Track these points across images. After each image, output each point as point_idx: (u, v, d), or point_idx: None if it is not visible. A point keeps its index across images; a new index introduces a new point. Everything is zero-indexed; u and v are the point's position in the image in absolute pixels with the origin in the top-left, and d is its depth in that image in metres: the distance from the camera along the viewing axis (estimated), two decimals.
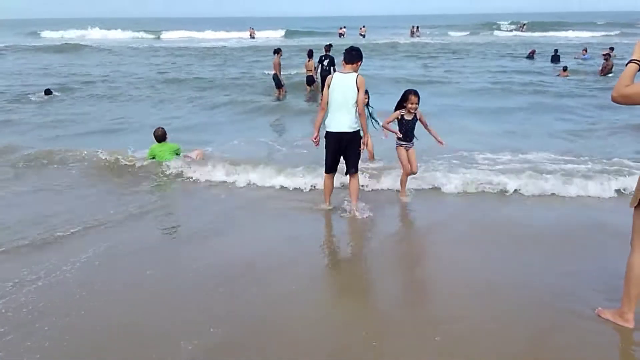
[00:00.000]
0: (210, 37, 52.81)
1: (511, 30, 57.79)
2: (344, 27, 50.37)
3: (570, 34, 49.56)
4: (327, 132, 5.88)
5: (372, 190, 7.00)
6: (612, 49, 22.68)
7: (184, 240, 5.51)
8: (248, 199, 6.77)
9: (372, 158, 7.68)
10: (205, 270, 4.72)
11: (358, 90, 5.67)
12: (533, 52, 27.20)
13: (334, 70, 16.19)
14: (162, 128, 8.48)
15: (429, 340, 3.59)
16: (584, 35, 46.55)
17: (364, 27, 49.32)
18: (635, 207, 3.49)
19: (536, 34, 50.13)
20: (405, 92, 6.41)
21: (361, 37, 45.92)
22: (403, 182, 6.69)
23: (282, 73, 16.53)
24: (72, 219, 5.90)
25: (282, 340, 3.63)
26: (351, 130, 5.78)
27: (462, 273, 4.62)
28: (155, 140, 8.34)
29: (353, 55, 5.82)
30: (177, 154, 8.34)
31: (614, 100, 3.33)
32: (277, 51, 16.52)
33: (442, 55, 28.95)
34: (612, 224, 5.54)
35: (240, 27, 64.66)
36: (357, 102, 5.68)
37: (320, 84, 15.45)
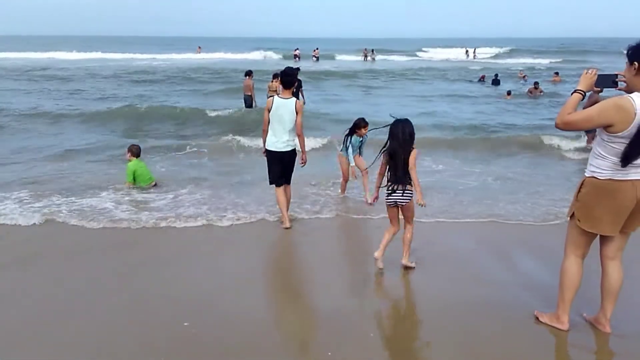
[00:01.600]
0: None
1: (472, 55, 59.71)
2: (298, 49, 50.94)
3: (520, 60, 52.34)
4: (268, 150, 6.44)
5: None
6: (557, 73, 24.71)
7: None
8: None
9: (353, 175, 7.46)
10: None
11: (297, 114, 6.21)
12: (483, 77, 28.73)
13: (302, 94, 16.82)
14: (138, 144, 8.56)
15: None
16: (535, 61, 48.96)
17: (317, 49, 49.99)
18: (570, 217, 3.78)
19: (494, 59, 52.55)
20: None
21: (314, 59, 46.38)
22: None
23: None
24: None
25: None
26: (289, 149, 6.34)
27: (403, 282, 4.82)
28: (132, 158, 8.26)
29: (289, 81, 6.34)
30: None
31: (557, 126, 3.54)
32: (249, 73, 16.74)
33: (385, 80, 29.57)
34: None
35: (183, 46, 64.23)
36: (295, 125, 6.24)
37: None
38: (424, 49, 70.47)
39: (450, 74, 32.84)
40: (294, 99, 6.27)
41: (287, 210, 6.53)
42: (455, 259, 5.44)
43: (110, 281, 4.89)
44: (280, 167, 6.41)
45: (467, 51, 61.02)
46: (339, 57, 53.35)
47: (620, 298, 3.84)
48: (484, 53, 62.32)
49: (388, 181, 4.88)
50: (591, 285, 4.03)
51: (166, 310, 4.28)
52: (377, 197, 5.20)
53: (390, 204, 4.93)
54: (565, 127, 3.51)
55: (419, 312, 4.41)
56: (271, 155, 6.39)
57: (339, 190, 7.87)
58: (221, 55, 53.70)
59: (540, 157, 11.01)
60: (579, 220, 3.67)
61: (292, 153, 6.40)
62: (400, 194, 4.83)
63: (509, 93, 21.34)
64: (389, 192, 4.87)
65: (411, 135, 4.76)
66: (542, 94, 21.61)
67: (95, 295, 4.60)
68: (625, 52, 3.45)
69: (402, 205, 4.89)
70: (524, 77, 28.90)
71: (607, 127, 3.38)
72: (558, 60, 47.60)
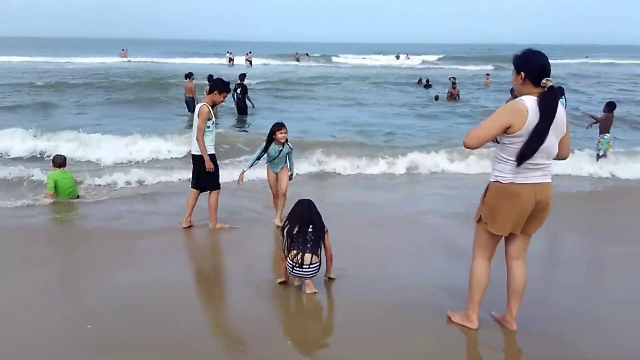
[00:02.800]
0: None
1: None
2: (230, 52, 50.38)
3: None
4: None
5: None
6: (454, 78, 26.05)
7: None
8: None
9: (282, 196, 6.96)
10: None
11: (198, 118, 6.35)
12: (420, 80, 29.75)
13: (248, 99, 16.84)
14: (63, 155, 8.26)
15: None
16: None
17: (249, 53, 49.66)
18: (477, 221, 3.95)
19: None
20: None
21: (247, 63, 46.05)
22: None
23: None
24: None
25: None
26: (197, 153, 6.52)
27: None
28: (55, 168, 7.94)
29: (210, 86, 6.72)
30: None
31: (465, 146, 3.67)
32: (189, 75, 16.53)
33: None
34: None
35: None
36: (197, 129, 6.38)
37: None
38: (341, 55, 70.68)
39: (379, 78, 33.53)
40: (202, 103, 6.45)
41: (215, 216, 6.70)
42: (368, 259, 5.59)
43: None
44: (194, 170, 6.67)
45: (398, 56, 62.87)
46: (273, 62, 53.18)
47: (526, 297, 4.05)
48: (418, 58, 64.10)
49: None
50: (500, 286, 4.22)
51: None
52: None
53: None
54: (471, 142, 3.63)
55: (334, 316, 4.51)
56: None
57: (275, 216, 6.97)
58: (150, 59, 51.97)
59: None
60: (486, 224, 3.85)
61: (199, 157, 6.47)
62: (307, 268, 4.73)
63: (436, 98, 22.50)
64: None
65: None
66: (458, 98, 22.74)
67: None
68: (512, 61, 3.70)
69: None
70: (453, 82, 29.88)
71: (506, 130, 3.58)
72: (491, 68, 49.88)
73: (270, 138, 6.78)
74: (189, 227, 6.67)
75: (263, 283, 5.02)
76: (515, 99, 3.66)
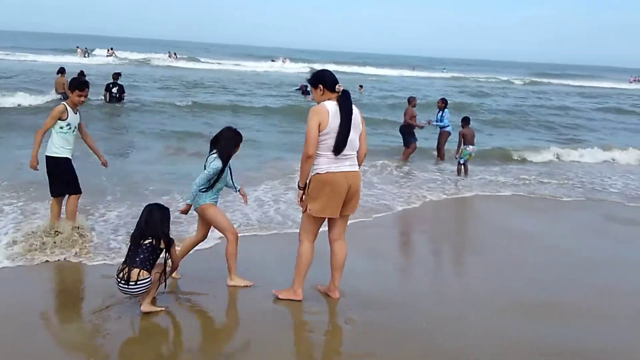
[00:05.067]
0: None
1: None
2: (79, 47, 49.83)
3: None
4: None
5: None
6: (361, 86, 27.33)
7: None
8: None
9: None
10: None
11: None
12: (302, 86, 29.87)
13: (123, 98, 16.51)
14: None
15: None
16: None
17: (111, 49, 50.97)
18: (303, 212, 4.79)
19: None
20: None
21: (112, 57, 46.90)
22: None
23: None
24: None
25: None
26: (51, 155, 6.01)
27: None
28: None
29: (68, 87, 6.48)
30: None
31: (307, 156, 4.52)
32: (62, 71, 15.89)
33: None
34: None
35: None
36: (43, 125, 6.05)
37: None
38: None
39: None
40: (62, 102, 6.17)
41: (73, 220, 6.16)
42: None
43: None
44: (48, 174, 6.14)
45: (272, 60, 63.20)
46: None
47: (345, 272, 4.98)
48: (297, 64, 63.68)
49: None
50: (323, 264, 5.08)
51: None
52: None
53: None
54: (306, 149, 4.50)
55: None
56: None
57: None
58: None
59: None
60: (310, 210, 4.68)
61: (53, 159, 6.02)
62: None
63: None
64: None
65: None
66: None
67: None
68: (307, 80, 4.77)
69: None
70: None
71: (319, 130, 4.48)
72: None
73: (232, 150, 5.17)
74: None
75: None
76: (318, 104, 4.61)
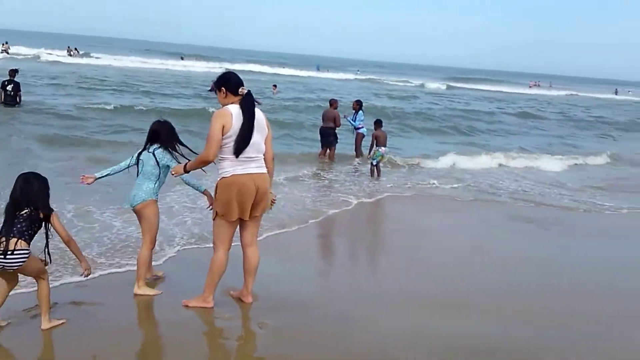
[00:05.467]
0: None
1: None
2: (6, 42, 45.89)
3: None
4: None
5: None
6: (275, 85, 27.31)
7: None
8: None
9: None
10: None
11: None
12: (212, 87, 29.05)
13: (20, 98, 15.33)
14: None
15: None
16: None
17: (5, 43, 47.05)
18: (213, 219, 4.69)
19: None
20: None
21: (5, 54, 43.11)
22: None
23: None
24: None
25: None
26: None
27: None
28: None
29: None
30: None
31: (209, 159, 4.47)
32: None
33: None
34: None
35: None
36: None
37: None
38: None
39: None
40: None
41: None
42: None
43: None
44: None
45: (182, 57, 60.39)
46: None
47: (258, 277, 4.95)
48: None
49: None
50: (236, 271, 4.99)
51: None
52: None
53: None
54: (207, 152, 4.43)
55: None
56: None
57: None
58: None
59: None
60: (222, 216, 4.60)
61: None
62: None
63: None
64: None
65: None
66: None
67: None
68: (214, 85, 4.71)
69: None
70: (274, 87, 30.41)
71: (223, 133, 4.41)
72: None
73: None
74: None
75: None
76: (222, 107, 4.55)
